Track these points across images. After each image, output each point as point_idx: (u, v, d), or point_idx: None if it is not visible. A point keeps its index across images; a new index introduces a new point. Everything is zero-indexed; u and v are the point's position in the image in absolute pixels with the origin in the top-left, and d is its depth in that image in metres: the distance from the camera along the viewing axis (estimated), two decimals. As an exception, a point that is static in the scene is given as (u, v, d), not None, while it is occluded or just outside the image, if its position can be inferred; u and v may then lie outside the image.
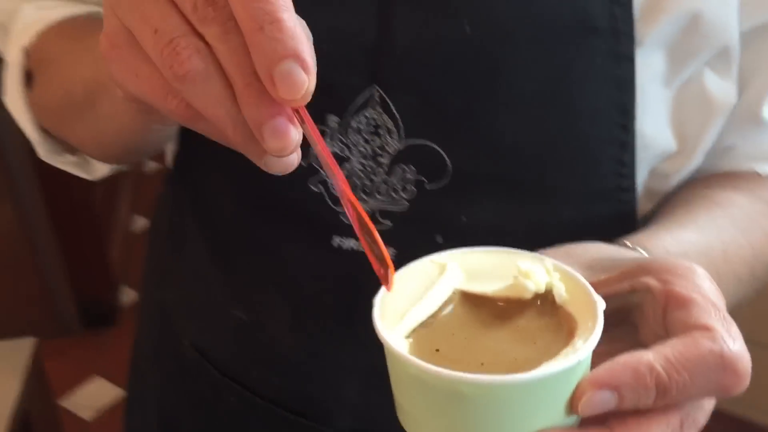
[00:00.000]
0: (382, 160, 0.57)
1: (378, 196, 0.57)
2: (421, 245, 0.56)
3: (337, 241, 0.58)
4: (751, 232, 0.57)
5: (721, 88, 0.57)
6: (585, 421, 0.37)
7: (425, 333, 0.39)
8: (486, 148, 0.55)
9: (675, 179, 0.61)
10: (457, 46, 0.53)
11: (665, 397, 0.35)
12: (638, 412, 0.36)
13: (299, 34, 0.34)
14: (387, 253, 0.40)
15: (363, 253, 0.51)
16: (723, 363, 0.36)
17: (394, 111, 0.55)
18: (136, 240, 2.55)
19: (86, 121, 0.60)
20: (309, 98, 0.35)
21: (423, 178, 0.56)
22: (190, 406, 0.74)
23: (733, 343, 0.36)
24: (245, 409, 0.68)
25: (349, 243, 0.58)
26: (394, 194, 0.57)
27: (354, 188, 0.58)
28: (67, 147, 0.69)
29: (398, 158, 0.56)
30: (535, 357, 0.36)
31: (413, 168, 0.56)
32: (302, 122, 0.37)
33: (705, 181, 0.62)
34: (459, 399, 0.35)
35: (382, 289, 0.40)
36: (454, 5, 0.52)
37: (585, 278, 0.40)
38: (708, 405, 0.38)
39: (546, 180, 0.56)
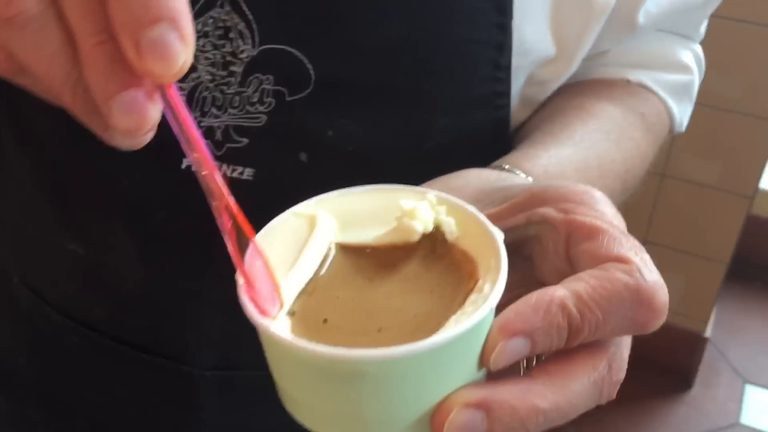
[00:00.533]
0: (234, 68, 0.49)
1: (231, 111, 0.50)
2: (284, 165, 0.50)
3: (186, 163, 0.51)
4: (623, 144, 0.55)
5: None
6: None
7: (307, 303, 0.33)
8: (353, 53, 0.49)
9: (552, 86, 0.58)
10: None
11: (577, 337, 0.32)
12: (559, 357, 0.32)
13: None
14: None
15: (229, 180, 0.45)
16: (639, 298, 0.32)
17: (246, 11, 0.48)
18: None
19: None
20: (182, 75, 0.28)
21: (282, 89, 0.50)
22: (28, 350, 0.66)
23: (650, 274, 0.32)
24: (91, 351, 0.61)
25: None
26: (249, 108, 0.50)
27: (203, 102, 0.50)
28: None
29: (253, 66, 0.49)
30: (438, 309, 0.31)
31: (271, 77, 0.49)
32: (165, 98, 0.29)
33: (578, 90, 0.59)
34: (361, 379, 0.29)
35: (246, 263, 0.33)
36: None
37: None
38: (627, 341, 0.35)
39: (420, 86, 0.51)
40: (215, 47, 0.49)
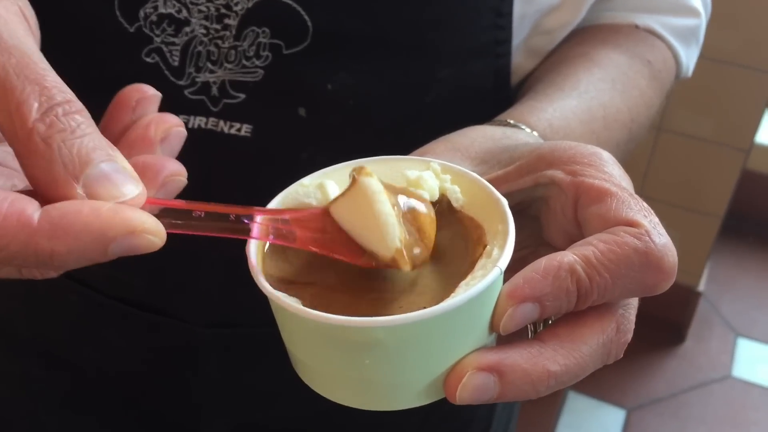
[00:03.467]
0: (229, 21, 0.48)
1: (227, 65, 0.49)
2: (282, 120, 0.50)
3: (187, 119, 0.50)
4: (628, 93, 0.55)
5: None
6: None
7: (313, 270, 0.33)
8: (351, 3, 0.48)
9: (559, 36, 0.57)
10: None
11: (586, 301, 0.32)
12: (568, 320, 0.33)
13: None
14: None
15: (214, 132, 0.47)
16: (648, 261, 0.32)
17: None
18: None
19: None
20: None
21: (279, 42, 0.49)
22: (24, 307, 0.66)
23: (659, 237, 0.33)
24: (89, 309, 0.61)
25: (196, 121, 0.50)
26: (246, 62, 0.49)
27: (195, 58, 0.49)
28: None
29: (249, 19, 0.48)
30: (449, 275, 0.32)
31: (267, 30, 0.48)
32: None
33: (584, 37, 0.59)
34: (375, 346, 0.30)
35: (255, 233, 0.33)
36: None
37: (479, 174, 0.35)
38: (635, 302, 0.35)
39: (420, 36, 0.50)
40: None
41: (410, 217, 0.32)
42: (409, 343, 0.30)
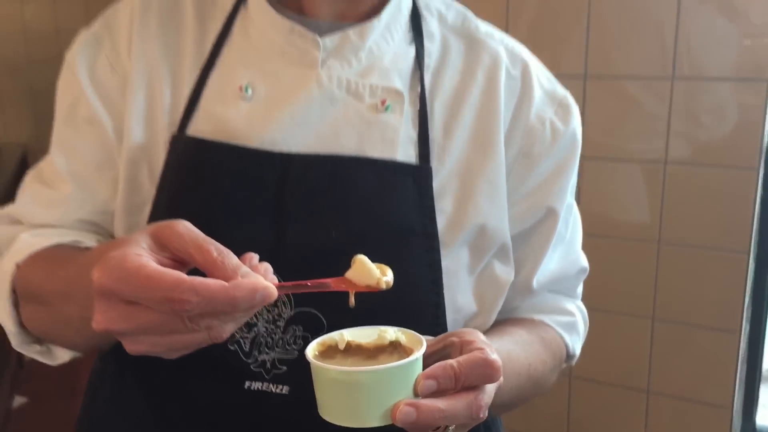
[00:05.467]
0: (279, 323, 0.75)
1: (276, 349, 0.75)
2: (310, 384, 0.74)
3: (248, 384, 0.75)
4: (527, 350, 0.83)
5: (504, 271, 0.84)
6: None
7: (334, 361, 0.63)
8: (345, 317, 0.75)
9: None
10: (327, 246, 0.75)
11: (458, 383, 0.59)
12: (452, 393, 0.60)
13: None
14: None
15: (266, 392, 0.76)
16: (486, 362, 0.60)
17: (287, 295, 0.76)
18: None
19: (62, 330, 0.77)
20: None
21: (308, 334, 0.75)
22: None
23: (492, 353, 0.61)
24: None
25: (255, 384, 0.75)
26: (287, 347, 0.76)
27: (258, 345, 0.76)
28: (35, 339, 0.82)
29: (290, 321, 0.75)
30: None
31: (301, 327, 0.75)
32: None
33: (504, 323, 0.88)
34: (359, 385, 0.58)
35: (311, 344, 0.62)
36: (325, 220, 0.75)
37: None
38: (490, 389, 0.62)
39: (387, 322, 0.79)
40: (269, 311, 0.75)
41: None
42: (375, 383, 0.58)
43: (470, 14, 0.90)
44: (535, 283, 0.88)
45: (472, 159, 0.82)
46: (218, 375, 0.76)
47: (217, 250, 0.56)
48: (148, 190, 0.80)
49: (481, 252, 0.80)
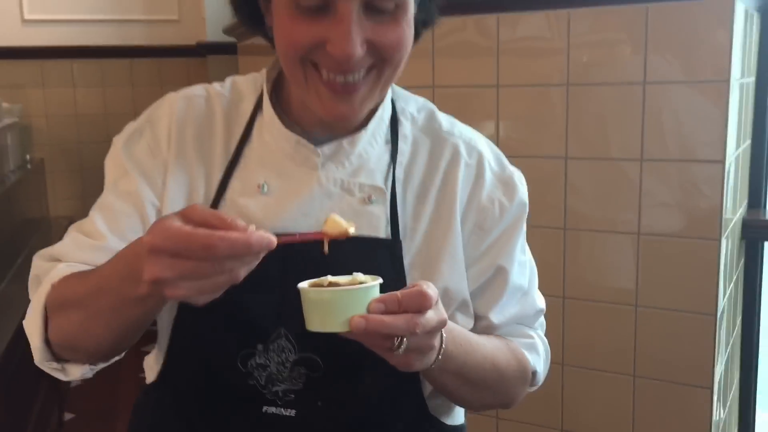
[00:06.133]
0: (287, 365, 0.99)
1: (286, 383, 0.99)
2: (312, 408, 1.02)
3: (265, 408, 0.99)
4: (493, 344, 1.04)
5: (466, 321, 1.05)
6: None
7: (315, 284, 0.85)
8: (336, 360, 0.98)
9: None
10: None
11: (401, 306, 0.80)
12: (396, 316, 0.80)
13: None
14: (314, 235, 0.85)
15: (277, 414, 1.00)
16: (421, 293, 0.80)
17: (292, 340, 0.97)
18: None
19: (91, 326, 0.89)
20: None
21: (309, 372, 0.98)
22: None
23: (428, 289, 0.81)
24: None
25: (270, 409, 0.99)
26: (294, 381, 0.99)
27: (272, 380, 0.99)
28: (54, 356, 0.95)
29: (296, 363, 0.98)
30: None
31: (303, 367, 0.98)
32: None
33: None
34: (325, 301, 0.81)
35: (304, 282, 0.84)
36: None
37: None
38: (430, 315, 0.81)
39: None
40: (278, 355, 0.97)
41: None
42: (337, 300, 0.80)
43: (436, 112, 1.11)
44: (495, 323, 1.07)
45: (435, 237, 1.03)
46: (242, 403, 1.00)
47: (228, 216, 0.75)
48: None
49: (445, 307, 0.94)
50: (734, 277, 2.10)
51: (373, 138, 1.04)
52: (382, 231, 1.01)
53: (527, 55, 1.94)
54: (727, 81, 1.71)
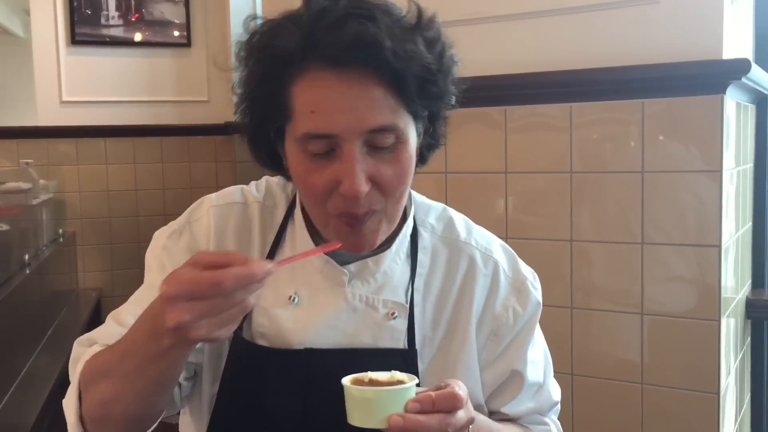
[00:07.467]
0: None
1: None
2: None
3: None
4: (509, 428, 1.13)
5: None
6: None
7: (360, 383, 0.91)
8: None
9: None
10: (342, 414, 0.95)
11: (435, 406, 0.88)
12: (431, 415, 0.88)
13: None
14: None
15: None
16: (453, 394, 0.89)
17: None
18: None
19: (119, 390, 0.95)
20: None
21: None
22: None
23: (459, 390, 0.89)
24: None
25: None
26: None
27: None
28: None
29: None
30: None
31: None
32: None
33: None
34: (367, 399, 0.88)
35: (346, 377, 0.91)
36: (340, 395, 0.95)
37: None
38: (460, 415, 0.89)
39: None
40: None
41: None
42: (378, 399, 0.87)
43: (454, 220, 1.18)
44: (511, 416, 1.14)
45: (451, 344, 1.10)
46: None
47: (231, 252, 0.90)
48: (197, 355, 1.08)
49: None
50: (740, 355, 2.15)
51: (396, 255, 1.10)
52: (402, 342, 1.07)
53: (534, 144, 2.06)
54: (719, 171, 1.81)
